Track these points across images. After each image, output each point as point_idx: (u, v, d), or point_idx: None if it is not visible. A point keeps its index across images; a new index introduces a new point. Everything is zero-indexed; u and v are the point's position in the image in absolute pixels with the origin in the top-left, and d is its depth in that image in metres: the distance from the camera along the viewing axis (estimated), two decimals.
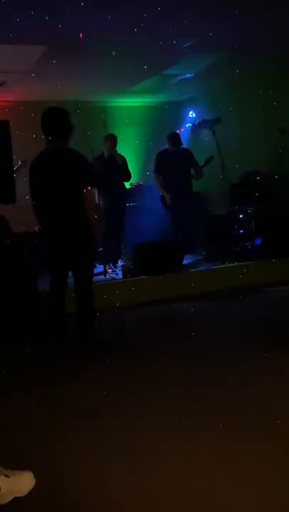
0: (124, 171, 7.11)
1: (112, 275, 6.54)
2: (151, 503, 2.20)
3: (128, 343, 4.58)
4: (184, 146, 7.65)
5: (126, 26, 5.51)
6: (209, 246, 7.29)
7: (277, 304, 5.65)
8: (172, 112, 9.29)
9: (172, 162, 7.26)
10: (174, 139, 7.37)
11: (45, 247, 4.38)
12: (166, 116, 9.00)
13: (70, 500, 2.27)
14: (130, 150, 8.28)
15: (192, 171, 7.42)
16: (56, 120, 4.21)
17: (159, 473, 2.42)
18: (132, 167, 7.38)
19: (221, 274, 6.53)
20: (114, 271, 6.73)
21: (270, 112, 7.50)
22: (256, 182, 7.55)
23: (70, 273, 4.39)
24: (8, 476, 2.24)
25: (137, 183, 8.70)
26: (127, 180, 7.36)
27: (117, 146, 7.11)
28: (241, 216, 7.42)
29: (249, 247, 7.04)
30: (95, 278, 5.09)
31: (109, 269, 6.69)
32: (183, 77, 8.00)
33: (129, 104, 9.29)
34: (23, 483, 2.29)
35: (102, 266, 6.62)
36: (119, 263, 6.87)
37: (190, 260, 7.20)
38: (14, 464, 2.34)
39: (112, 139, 7.07)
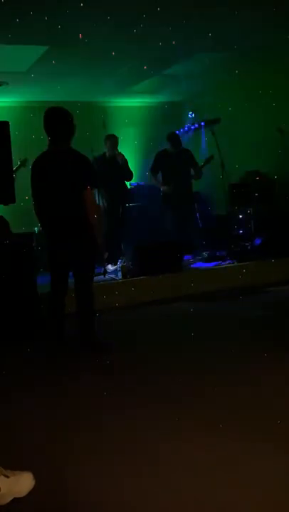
0: (126, 171, 7.12)
1: (112, 275, 6.54)
2: (152, 503, 2.19)
3: (128, 343, 4.58)
4: (184, 146, 7.65)
5: (126, 26, 5.52)
6: (209, 246, 7.30)
7: (277, 303, 5.65)
8: (172, 112, 9.30)
9: (172, 162, 7.26)
10: (174, 139, 7.37)
11: (46, 247, 4.39)
12: (166, 116, 9.01)
13: (70, 500, 2.27)
14: (130, 150, 8.29)
15: (192, 171, 7.42)
16: (58, 121, 4.21)
17: (159, 473, 2.41)
18: (132, 167, 7.38)
19: (220, 274, 6.53)
20: (110, 269, 6.74)
21: (270, 112, 7.50)
22: (256, 182, 7.55)
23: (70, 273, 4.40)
24: (7, 477, 2.24)
25: (137, 183, 8.70)
26: (129, 180, 7.36)
27: (117, 147, 7.12)
28: (241, 216, 7.43)
29: (249, 247, 7.04)
30: (95, 278, 5.09)
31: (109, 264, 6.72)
32: (183, 77, 8.00)
33: (129, 105, 9.29)
34: (22, 483, 2.28)
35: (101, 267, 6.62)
36: (119, 263, 6.86)
37: (190, 260, 7.21)
38: (14, 464, 2.34)
39: (113, 139, 7.08)
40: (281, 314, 5.15)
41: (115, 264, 6.90)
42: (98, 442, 2.75)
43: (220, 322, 5.06)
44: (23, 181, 5.07)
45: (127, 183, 7.62)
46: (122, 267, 6.49)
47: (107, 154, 7.04)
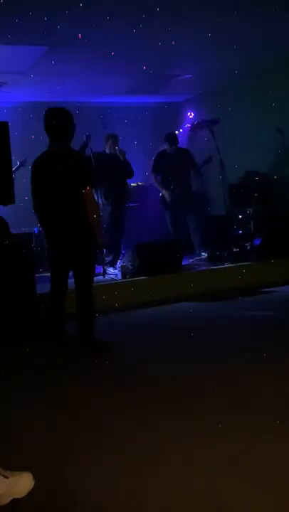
0: (127, 168, 7.11)
1: (111, 275, 6.54)
2: (152, 503, 2.19)
3: (128, 343, 4.58)
4: (183, 146, 7.65)
5: (125, 26, 5.51)
6: (209, 246, 7.29)
7: (277, 303, 5.65)
8: (171, 112, 9.29)
9: (171, 162, 7.25)
10: (170, 138, 7.39)
11: (46, 247, 4.39)
12: (165, 116, 9.00)
13: (70, 501, 2.26)
14: (129, 150, 8.28)
15: (191, 171, 7.42)
16: (58, 121, 4.21)
17: (159, 473, 2.41)
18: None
19: (220, 274, 6.53)
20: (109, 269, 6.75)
21: (270, 112, 7.50)
22: (255, 182, 7.55)
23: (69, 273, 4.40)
24: (7, 477, 2.23)
25: (136, 183, 8.70)
26: (130, 177, 7.34)
27: (118, 145, 7.12)
28: (240, 216, 7.42)
29: (248, 247, 7.04)
30: (95, 278, 5.08)
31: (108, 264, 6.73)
32: (182, 77, 8.00)
33: (129, 105, 9.28)
34: (22, 484, 2.28)
35: (101, 266, 6.62)
36: (119, 263, 6.86)
37: (190, 261, 7.20)
38: (14, 464, 2.34)
39: (114, 138, 7.11)
40: (281, 314, 5.16)
41: (115, 268, 6.89)
42: (98, 442, 2.75)
43: (220, 322, 5.06)
44: (22, 182, 5.07)
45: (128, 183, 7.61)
46: (121, 268, 6.49)
47: (108, 152, 7.05)
